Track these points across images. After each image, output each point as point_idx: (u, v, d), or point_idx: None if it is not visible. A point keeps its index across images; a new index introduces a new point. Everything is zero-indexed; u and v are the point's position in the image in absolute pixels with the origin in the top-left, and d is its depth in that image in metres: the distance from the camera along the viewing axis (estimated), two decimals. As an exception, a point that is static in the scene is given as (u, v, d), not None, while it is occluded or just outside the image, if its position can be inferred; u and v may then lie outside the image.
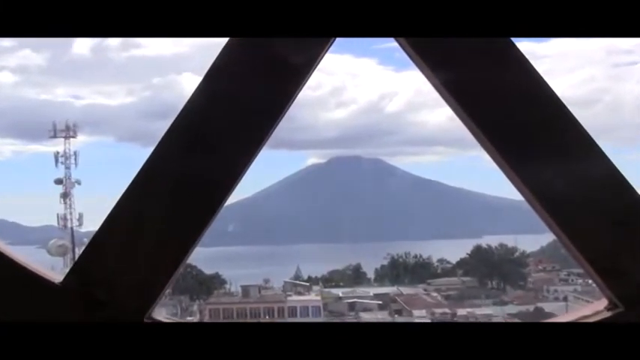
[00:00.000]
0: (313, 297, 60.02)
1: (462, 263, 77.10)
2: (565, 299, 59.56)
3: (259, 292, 59.65)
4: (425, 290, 67.21)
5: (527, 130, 1.91)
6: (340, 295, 62.98)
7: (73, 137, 51.60)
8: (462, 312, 54.49)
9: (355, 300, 60.52)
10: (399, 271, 77.40)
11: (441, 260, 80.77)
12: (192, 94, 1.92)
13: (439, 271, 77.63)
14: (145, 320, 1.92)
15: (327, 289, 66.24)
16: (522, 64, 1.91)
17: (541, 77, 1.92)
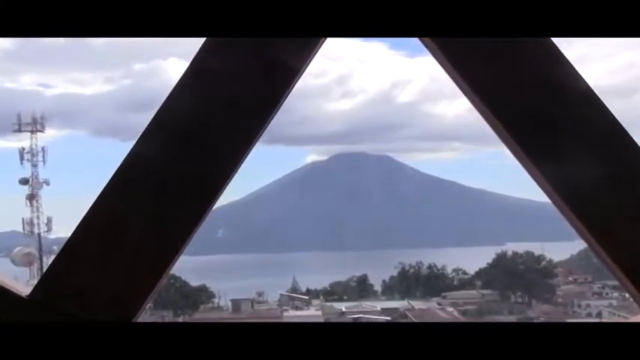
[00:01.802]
0: (313, 312, 60.09)
1: (481, 274, 77.10)
2: (599, 315, 59.58)
3: (252, 306, 59.74)
4: (439, 304, 67.25)
5: (554, 124, 1.92)
6: (343, 309, 63.06)
7: (41, 131, 51.61)
8: (481, 329, 54.32)
9: (360, 315, 60.54)
10: (410, 282, 77.44)
11: (457, 270, 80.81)
12: (176, 85, 1.94)
13: (455, 282, 77.66)
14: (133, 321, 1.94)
15: (328, 303, 66.32)
16: (549, 50, 1.92)
17: (570, 64, 1.93)
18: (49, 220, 48.96)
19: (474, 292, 72.49)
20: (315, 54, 2.00)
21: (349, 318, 60.09)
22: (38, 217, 48.93)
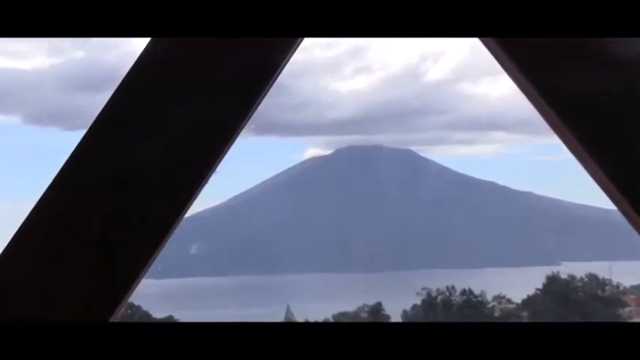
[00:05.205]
0: (313, 351, 59.98)
1: (529, 302, 76.96)
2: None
3: (234, 343, 59.65)
4: (476, 341, 67.20)
5: (623, 112, 1.92)
6: (352, 347, 63.05)
7: (-37, 117, 51.72)
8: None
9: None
10: (438, 313, 77.37)
11: (499, 298, 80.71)
12: (137, 62, 1.96)
13: (497, 313, 77.54)
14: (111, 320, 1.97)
15: (332, 340, 66.27)
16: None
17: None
18: (-28, 232, 49.14)
19: (520, 325, 72.49)
20: (298, 46, 2.04)
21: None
22: (-41, 228, 49.07)
